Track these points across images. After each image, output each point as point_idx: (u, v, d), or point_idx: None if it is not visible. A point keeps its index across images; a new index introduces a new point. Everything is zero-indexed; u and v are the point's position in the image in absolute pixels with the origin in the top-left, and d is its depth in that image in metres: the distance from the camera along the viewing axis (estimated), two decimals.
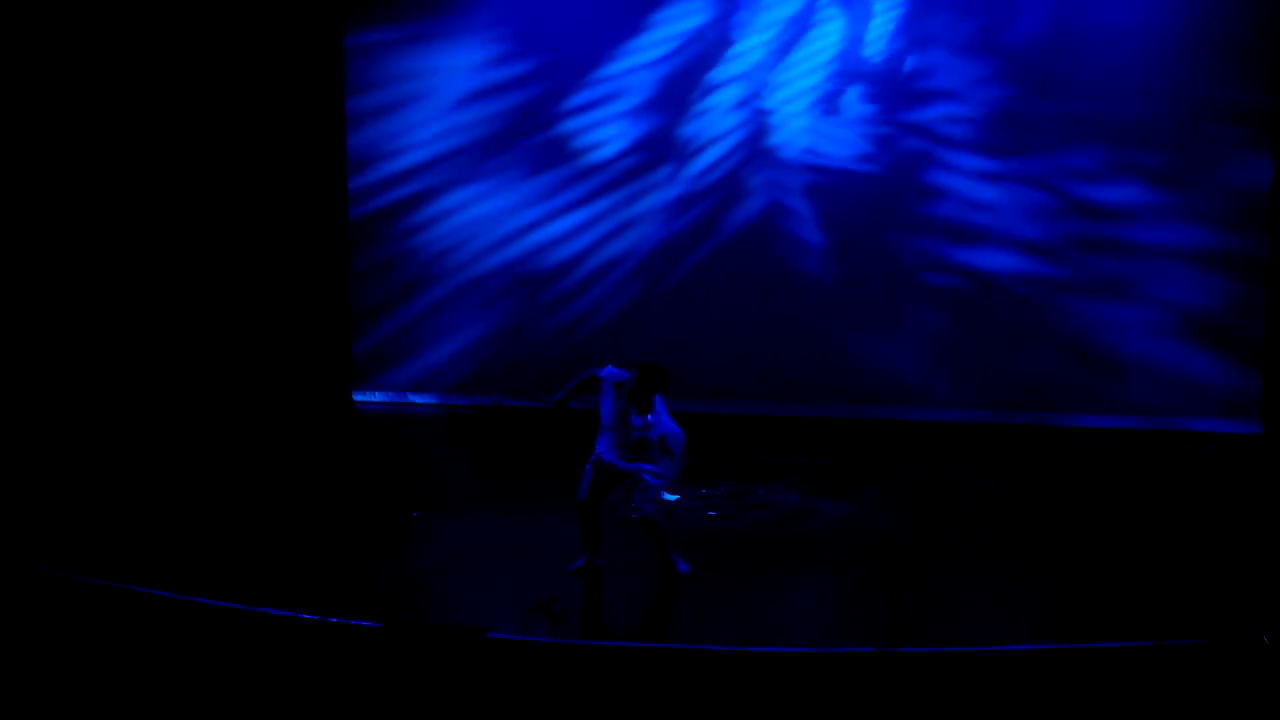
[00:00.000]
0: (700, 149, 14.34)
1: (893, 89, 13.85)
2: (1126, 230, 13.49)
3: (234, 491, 12.03)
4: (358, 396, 15.33)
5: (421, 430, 14.63)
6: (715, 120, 14.29)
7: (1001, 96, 13.62)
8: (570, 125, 14.60)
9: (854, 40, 13.90)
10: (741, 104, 14.22)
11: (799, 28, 14.02)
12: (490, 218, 14.89)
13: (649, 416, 9.50)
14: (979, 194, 13.79)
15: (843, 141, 14.03)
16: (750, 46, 14.15)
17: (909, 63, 13.78)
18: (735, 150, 14.27)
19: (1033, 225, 13.68)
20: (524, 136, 14.72)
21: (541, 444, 13.24)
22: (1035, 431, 13.72)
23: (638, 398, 9.43)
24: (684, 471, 9.73)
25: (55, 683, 8.02)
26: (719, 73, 14.23)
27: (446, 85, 14.83)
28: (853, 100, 13.97)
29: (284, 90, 14.76)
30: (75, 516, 11.09)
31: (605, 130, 14.54)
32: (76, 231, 14.11)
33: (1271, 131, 12.98)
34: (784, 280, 14.24)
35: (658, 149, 14.43)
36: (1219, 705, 7.56)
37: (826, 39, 13.96)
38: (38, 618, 8.76)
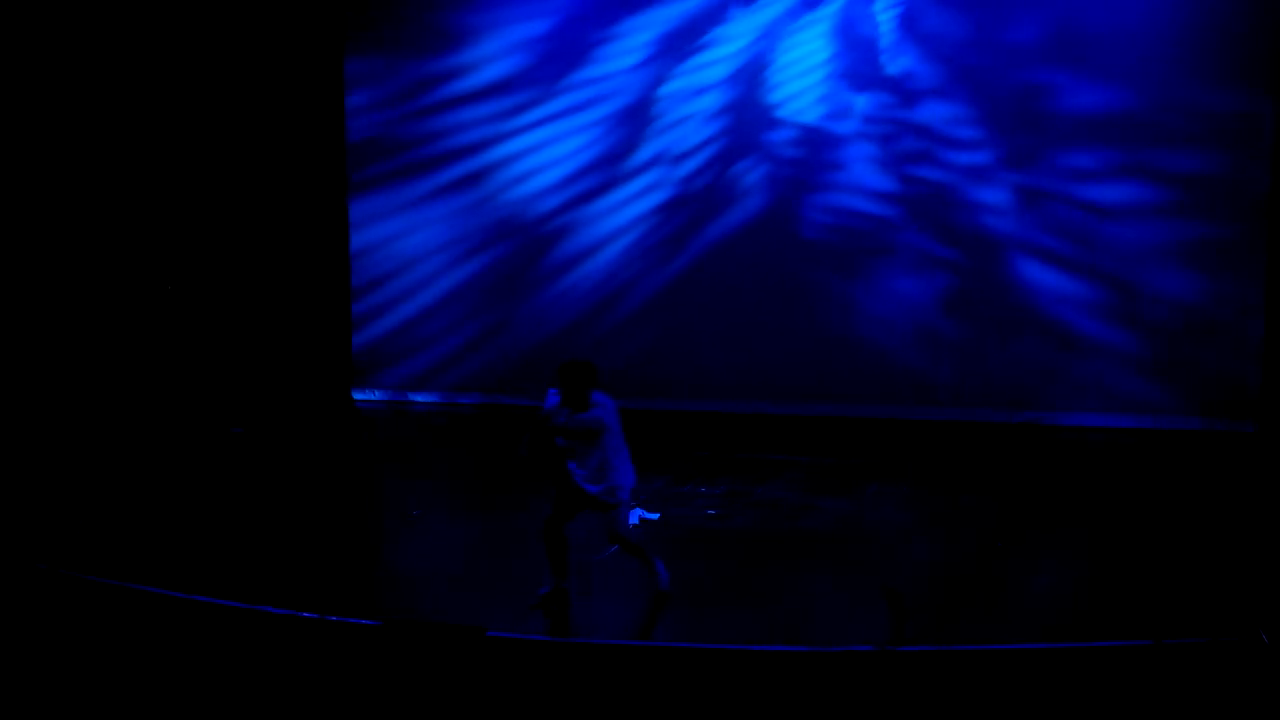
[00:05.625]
0: (699, 149, 14.33)
1: (891, 88, 13.85)
2: (1126, 229, 13.48)
3: (234, 490, 12.03)
4: (357, 395, 15.33)
5: (421, 430, 14.63)
6: (715, 120, 14.28)
7: (1001, 97, 13.61)
8: (569, 125, 14.60)
9: (852, 40, 13.90)
10: (741, 103, 14.21)
11: (795, 27, 14.02)
12: (490, 216, 14.90)
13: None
14: (979, 194, 13.78)
15: (842, 141, 14.03)
16: (743, 47, 14.15)
17: (908, 62, 13.78)
18: (733, 150, 14.26)
19: (1032, 224, 13.68)
20: (524, 135, 14.72)
21: (539, 443, 13.21)
22: (1034, 430, 13.72)
23: (572, 401, 8.90)
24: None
25: (55, 682, 8.02)
26: (717, 72, 14.23)
27: (448, 82, 14.83)
28: (851, 100, 13.97)
29: (284, 88, 14.77)
30: (74, 515, 11.09)
31: (604, 130, 14.53)
32: (77, 230, 14.12)
33: (1271, 130, 12.97)
34: (783, 279, 14.24)
35: (657, 149, 14.43)
36: (1218, 705, 7.56)
37: (823, 38, 13.96)
38: (37, 616, 8.75)
